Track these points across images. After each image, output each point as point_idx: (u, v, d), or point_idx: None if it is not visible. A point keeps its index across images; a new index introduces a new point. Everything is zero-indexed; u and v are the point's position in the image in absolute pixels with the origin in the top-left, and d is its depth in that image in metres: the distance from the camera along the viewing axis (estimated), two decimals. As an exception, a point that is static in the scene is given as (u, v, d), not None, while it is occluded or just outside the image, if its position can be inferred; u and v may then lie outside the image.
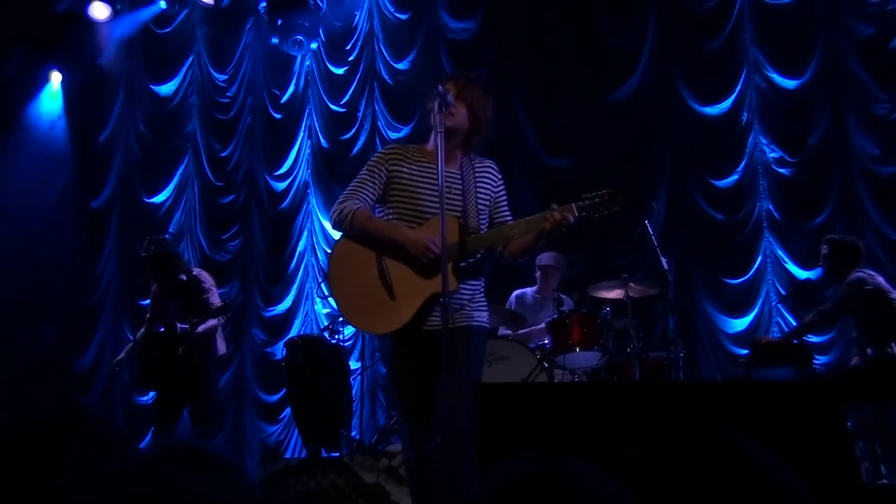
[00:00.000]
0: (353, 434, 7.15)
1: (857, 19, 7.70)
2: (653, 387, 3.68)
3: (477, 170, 3.62)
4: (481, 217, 3.57)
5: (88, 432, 1.67)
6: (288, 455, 8.20)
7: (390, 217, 3.58)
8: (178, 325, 5.93)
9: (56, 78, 9.42)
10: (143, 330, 6.37)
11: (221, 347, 6.38)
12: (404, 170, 3.57)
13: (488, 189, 3.64)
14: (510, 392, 3.15)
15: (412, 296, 3.42)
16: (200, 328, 5.95)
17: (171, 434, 6.14)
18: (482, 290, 3.63)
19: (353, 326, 3.64)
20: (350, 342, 8.31)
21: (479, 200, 3.56)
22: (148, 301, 7.86)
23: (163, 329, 6.03)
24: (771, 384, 3.03)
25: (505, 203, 3.71)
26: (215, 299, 6.21)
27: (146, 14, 9.19)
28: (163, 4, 8.95)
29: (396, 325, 3.44)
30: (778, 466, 1.11)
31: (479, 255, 3.55)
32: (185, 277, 6.22)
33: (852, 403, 5.74)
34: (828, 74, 7.76)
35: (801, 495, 1.10)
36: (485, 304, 3.62)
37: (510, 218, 3.66)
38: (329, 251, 8.78)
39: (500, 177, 3.74)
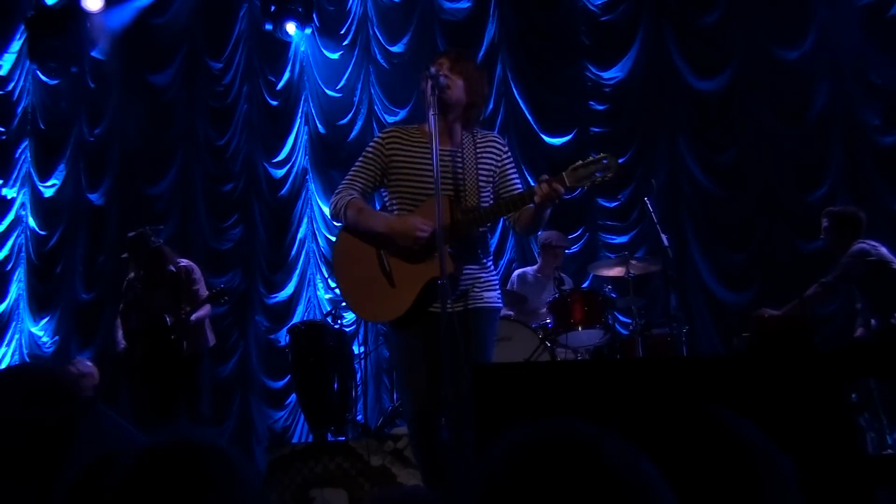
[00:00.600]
0: (358, 418, 7.17)
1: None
2: (655, 363, 3.66)
3: (479, 144, 3.58)
4: (482, 194, 3.52)
5: (96, 422, 1.67)
6: (294, 440, 8.24)
7: (393, 200, 3.59)
8: (167, 317, 5.92)
9: (52, 71, 9.40)
10: (118, 323, 6.32)
11: (211, 338, 6.38)
12: (402, 152, 3.56)
13: (490, 163, 3.59)
14: (509, 372, 3.13)
15: (411, 282, 3.42)
16: (194, 316, 5.96)
17: (168, 425, 6.14)
18: (490, 268, 3.61)
19: (359, 316, 3.64)
20: (353, 327, 8.31)
21: (481, 176, 3.52)
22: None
23: (149, 322, 6.02)
24: (774, 359, 3.02)
25: (512, 175, 3.64)
26: (203, 290, 6.21)
27: (139, 3, 9.13)
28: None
29: (399, 313, 3.44)
30: (764, 442, 1.11)
31: (477, 234, 3.51)
32: (173, 268, 6.20)
33: (859, 375, 5.73)
34: (827, 45, 7.69)
35: (786, 471, 1.09)
36: (494, 283, 3.59)
37: (519, 188, 3.60)
38: (329, 237, 8.81)
39: (504, 149, 3.68)
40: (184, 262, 6.33)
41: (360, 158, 3.63)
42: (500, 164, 3.62)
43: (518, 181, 3.66)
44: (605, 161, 3.26)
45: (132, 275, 6.41)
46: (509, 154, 3.69)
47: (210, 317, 6.35)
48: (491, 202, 3.56)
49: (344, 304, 8.10)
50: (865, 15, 7.62)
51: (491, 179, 3.59)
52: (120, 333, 6.30)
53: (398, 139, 3.61)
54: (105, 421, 1.76)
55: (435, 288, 3.32)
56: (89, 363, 7.10)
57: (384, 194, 3.67)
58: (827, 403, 2.78)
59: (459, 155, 3.54)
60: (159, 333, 5.97)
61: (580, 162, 3.29)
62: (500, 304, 3.63)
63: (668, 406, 1.20)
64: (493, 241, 3.74)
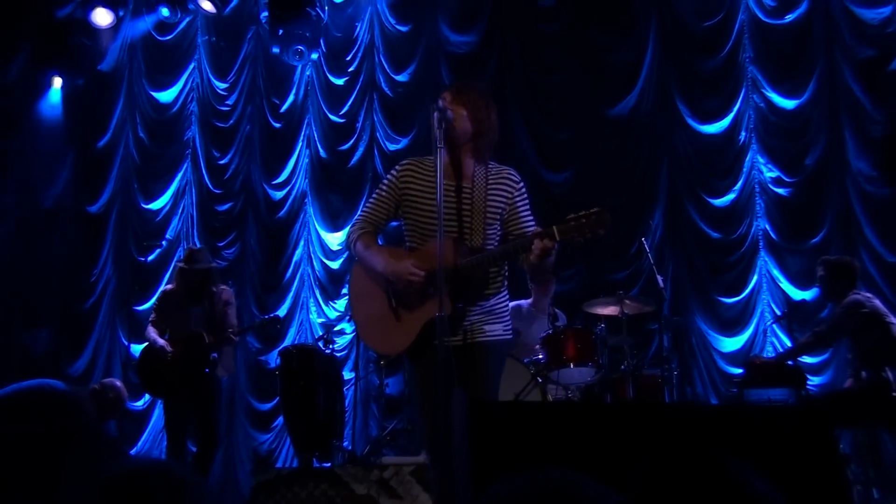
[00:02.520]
0: (345, 444, 7.14)
1: (857, 40, 7.73)
2: (648, 408, 3.67)
3: (491, 179, 3.58)
4: (488, 231, 3.52)
5: (82, 439, 1.67)
6: (279, 464, 8.18)
7: (406, 233, 3.65)
8: (205, 335, 6.01)
9: (57, 83, 9.42)
10: (152, 330, 6.33)
11: (231, 366, 6.43)
12: (415, 186, 3.60)
13: (500, 200, 3.58)
14: (504, 409, 3.13)
15: (413, 320, 3.49)
16: (214, 356, 6.06)
17: (184, 446, 6.16)
18: (501, 300, 3.60)
19: (370, 348, 3.73)
20: (344, 352, 8.32)
21: (488, 213, 3.52)
22: (150, 304, 7.88)
23: (187, 336, 6.09)
24: (764, 407, 3.03)
25: (523, 213, 3.60)
26: (233, 317, 6.28)
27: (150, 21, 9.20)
28: (165, 12, 8.94)
29: (401, 348, 3.54)
30: (761, 484, 1.12)
31: (481, 275, 3.51)
32: (214, 290, 6.29)
33: (845, 426, 5.75)
34: (826, 95, 7.78)
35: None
36: (500, 313, 3.58)
37: (531, 224, 3.58)
38: (325, 261, 8.82)
39: (518, 185, 3.64)
40: (223, 286, 6.46)
41: (376, 192, 3.71)
42: (510, 201, 3.60)
43: (529, 219, 3.62)
44: (595, 217, 3.18)
45: (171, 286, 6.49)
46: (523, 190, 3.65)
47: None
48: (497, 240, 3.56)
49: (336, 328, 8.19)
50: (865, 68, 7.72)
51: (499, 216, 3.58)
52: (154, 332, 6.29)
53: (412, 172, 3.64)
54: (98, 442, 1.77)
55: (432, 327, 3.35)
56: (118, 383, 7.09)
57: (401, 225, 3.72)
58: (818, 453, 2.78)
59: (469, 190, 3.54)
60: (195, 348, 6.01)
61: (572, 215, 3.21)
62: (506, 336, 3.60)
63: (675, 453, 1.21)
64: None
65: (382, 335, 3.62)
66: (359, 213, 3.72)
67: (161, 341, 6.21)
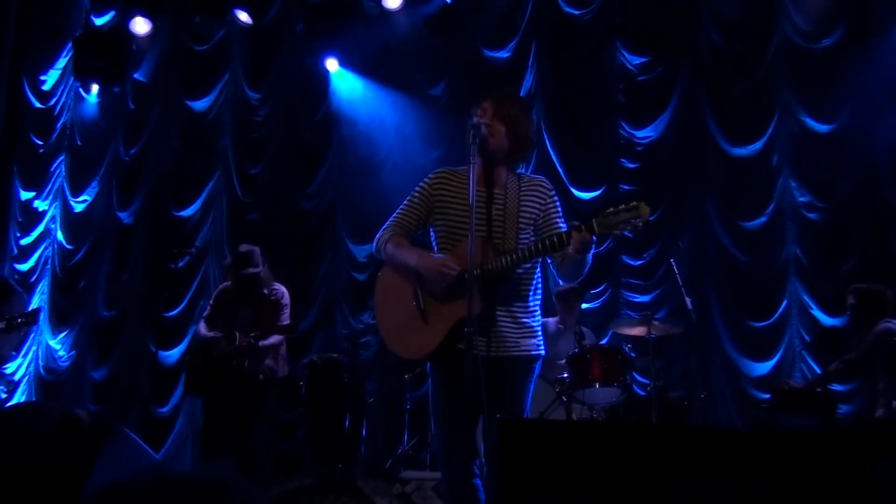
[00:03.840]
0: (366, 457, 7.14)
1: (891, 70, 7.67)
2: (676, 432, 3.64)
3: (523, 188, 3.59)
4: (521, 236, 3.51)
5: (111, 440, 1.69)
6: (301, 473, 8.19)
7: (436, 240, 3.66)
8: (237, 335, 5.99)
9: (94, 90, 9.56)
10: (203, 325, 6.41)
11: (283, 369, 6.41)
12: (447, 194, 3.63)
13: (533, 207, 3.58)
14: (533, 428, 3.13)
15: (442, 321, 3.45)
16: (262, 343, 5.99)
17: (219, 445, 6.14)
18: (533, 313, 3.58)
19: (391, 350, 3.70)
20: (369, 364, 8.32)
21: (521, 219, 3.52)
22: (177, 311, 7.95)
23: (224, 336, 6.13)
24: (795, 436, 3.00)
25: (555, 218, 3.59)
26: (286, 317, 6.27)
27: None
28: (202, 22, 9.05)
29: (427, 351, 3.50)
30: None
31: (514, 277, 3.50)
32: (266, 291, 6.29)
33: (878, 455, 5.66)
34: (860, 121, 7.71)
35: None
36: (533, 329, 3.56)
37: (562, 231, 3.55)
38: (352, 274, 8.84)
39: (550, 193, 3.65)
40: (277, 286, 6.44)
41: (407, 198, 3.72)
42: (543, 208, 3.60)
43: (561, 224, 3.60)
44: (635, 209, 3.16)
45: (227, 284, 6.55)
46: (555, 198, 3.66)
47: (281, 347, 6.36)
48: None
49: (363, 339, 8.20)
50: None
51: (532, 222, 3.58)
52: (204, 327, 6.37)
53: (445, 181, 3.67)
54: (124, 445, 1.78)
55: (463, 327, 3.33)
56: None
57: (431, 234, 3.72)
58: (853, 482, 2.75)
59: (501, 198, 3.56)
60: (230, 353, 6.06)
61: (611, 209, 3.21)
62: (539, 353, 3.58)
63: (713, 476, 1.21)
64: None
65: (407, 338, 3.58)
66: (389, 220, 3.72)
67: (208, 333, 6.28)
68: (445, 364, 3.49)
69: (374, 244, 3.73)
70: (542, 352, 3.61)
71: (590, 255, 3.40)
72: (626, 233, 3.19)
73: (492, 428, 3.19)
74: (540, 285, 3.66)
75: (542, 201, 3.61)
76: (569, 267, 3.50)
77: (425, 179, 3.73)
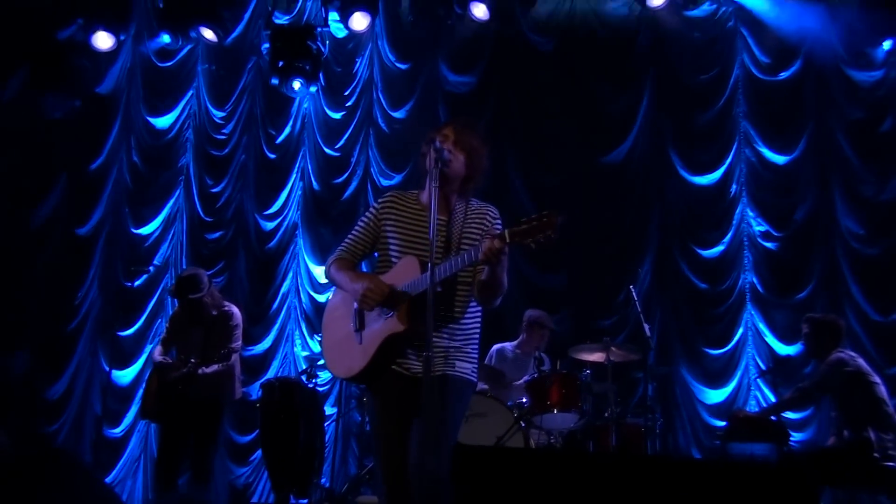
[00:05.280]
0: (323, 481, 7.06)
1: (848, 101, 7.85)
2: (631, 460, 3.66)
3: (470, 215, 3.61)
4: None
5: (56, 466, 1.66)
6: (255, 499, 8.09)
7: (378, 263, 3.66)
8: (190, 362, 5.91)
9: (54, 102, 9.41)
10: (158, 348, 6.32)
11: (238, 391, 6.31)
12: (393, 218, 3.64)
13: (475, 232, 3.58)
14: (489, 455, 3.12)
15: (373, 340, 3.47)
16: (203, 370, 5.92)
17: (174, 471, 6.04)
18: (470, 339, 3.58)
19: (331, 372, 3.70)
20: (326, 387, 8.26)
21: (463, 245, 3.53)
22: (133, 331, 7.82)
23: (175, 361, 6.05)
24: (747, 464, 3.02)
25: None
26: (236, 342, 6.19)
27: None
28: (166, 38, 8.98)
29: (355, 370, 3.50)
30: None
31: (452, 298, 3.50)
32: (215, 312, 6.20)
33: (826, 485, 5.73)
34: (817, 153, 7.89)
35: None
36: (470, 354, 3.56)
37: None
38: (312, 294, 8.79)
39: (495, 220, 3.66)
40: (228, 307, 6.32)
41: (357, 223, 3.75)
42: (484, 232, 3.58)
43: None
44: (546, 219, 3.16)
45: (177, 309, 6.47)
46: (497, 224, 3.66)
47: (235, 369, 6.24)
48: (468, 272, 3.50)
49: (321, 362, 8.14)
50: (855, 128, 7.83)
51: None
52: (158, 352, 6.27)
53: (393, 205, 3.68)
54: (71, 473, 1.75)
55: (392, 346, 3.40)
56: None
57: (375, 255, 3.73)
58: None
59: (445, 224, 3.57)
60: (180, 378, 5.96)
61: (524, 219, 3.21)
62: (474, 379, 3.57)
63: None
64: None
65: (341, 357, 3.60)
66: (339, 245, 3.76)
67: (158, 357, 6.19)
68: (378, 387, 3.50)
69: (325, 268, 3.76)
70: (474, 379, 3.58)
71: (503, 276, 3.37)
72: (541, 240, 3.15)
73: (427, 448, 3.17)
74: (479, 313, 3.64)
75: (484, 228, 3.61)
76: (480, 287, 3.46)
77: (374, 205, 3.76)
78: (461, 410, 3.54)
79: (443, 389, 3.39)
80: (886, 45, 7.72)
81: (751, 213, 7.95)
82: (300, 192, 9.19)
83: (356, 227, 3.74)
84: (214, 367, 5.97)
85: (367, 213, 3.74)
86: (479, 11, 8.30)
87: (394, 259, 3.57)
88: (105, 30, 8.86)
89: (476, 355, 3.61)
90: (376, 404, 3.52)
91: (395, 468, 3.38)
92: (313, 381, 7.33)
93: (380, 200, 3.75)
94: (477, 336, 3.63)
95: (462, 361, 3.51)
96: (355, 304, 3.55)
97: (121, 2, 8.98)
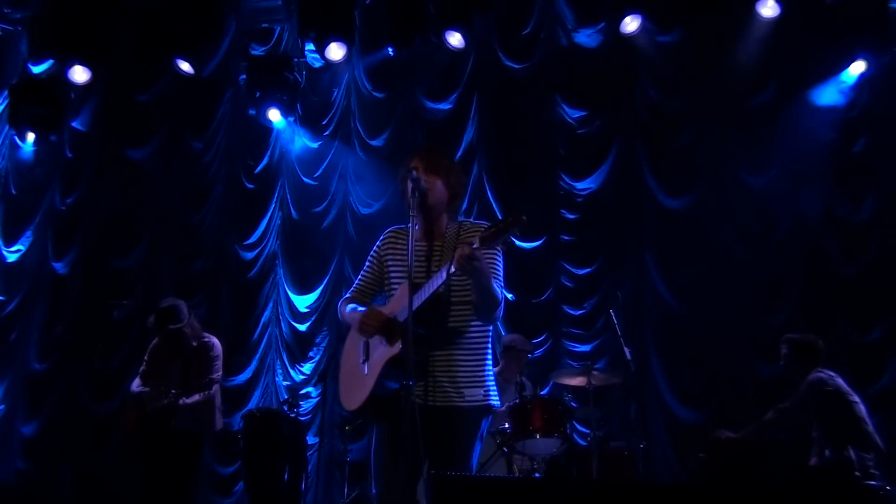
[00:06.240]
0: (306, 512, 7.01)
1: (821, 124, 7.94)
2: (614, 487, 3.65)
3: (463, 235, 3.63)
4: (453, 283, 3.52)
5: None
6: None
7: (387, 295, 3.78)
8: (171, 393, 5.85)
9: (30, 138, 9.39)
10: (136, 381, 6.26)
11: (218, 422, 6.25)
12: (392, 253, 3.76)
13: None
14: (469, 485, 3.10)
15: (375, 367, 3.52)
16: (184, 401, 5.86)
17: None
18: (480, 360, 3.58)
19: (343, 406, 3.73)
20: (308, 416, 8.22)
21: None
22: (113, 364, 7.75)
23: (152, 393, 5.99)
24: (729, 491, 3.03)
25: (489, 261, 3.53)
26: (217, 372, 6.14)
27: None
28: (144, 72, 8.96)
29: (360, 401, 3.54)
30: None
31: (457, 323, 3.54)
32: (195, 343, 6.16)
33: (808, 504, 5.73)
34: (792, 174, 7.94)
35: None
36: (479, 378, 3.55)
37: (497, 270, 3.59)
38: (293, 324, 8.76)
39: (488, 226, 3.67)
40: (208, 338, 6.28)
41: (364, 264, 3.89)
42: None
43: (493, 259, 3.59)
44: (510, 219, 3.21)
45: (156, 341, 6.39)
46: None
47: (216, 399, 6.18)
48: (466, 291, 3.53)
49: (301, 392, 8.11)
50: (832, 149, 7.91)
51: None
52: (136, 384, 6.21)
53: (393, 241, 3.80)
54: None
55: (394, 371, 3.42)
56: None
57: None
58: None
59: (439, 248, 3.63)
60: (160, 411, 5.91)
61: (491, 224, 3.32)
62: (489, 403, 3.56)
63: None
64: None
65: (351, 391, 3.66)
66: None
67: (136, 388, 6.15)
68: (386, 416, 3.52)
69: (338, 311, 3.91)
70: (494, 402, 3.58)
71: (490, 286, 3.39)
72: (511, 237, 3.23)
73: (429, 484, 3.18)
74: (488, 332, 3.66)
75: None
76: (474, 299, 3.47)
77: (376, 243, 3.87)
78: (472, 441, 3.52)
79: (449, 423, 3.43)
80: (857, 66, 7.81)
81: (728, 236, 7.98)
82: (279, 222, 9.19)
83: (363, 269, 3.88)
84: (196, 398, 5.92)
85: (370, 254, 3.87)
86: (455, 40, 8.36)
87: (395, 291, 3.68)
88: (81, 63, 8.87)
89: (487, 375, 3.61)
90: (382, 434, 3.58)
91: (394, 494, 3.39)
92: (295, 410, 7.29)
93: (381, 238, 3.87)
94: (486, 355, 3.63)
95: (472, 388, 3.52)
96: (362, 338, 3.64)
97: (98, 37, 8.98)
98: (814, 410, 5.85)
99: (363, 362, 3.60)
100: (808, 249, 7.80)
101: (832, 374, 5.94)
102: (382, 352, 3.49)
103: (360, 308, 3.72)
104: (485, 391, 3.55)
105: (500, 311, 3.57)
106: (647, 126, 8.44)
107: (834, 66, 7.90)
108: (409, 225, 3.42)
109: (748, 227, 8.00)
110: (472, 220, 3.85)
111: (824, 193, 7.86)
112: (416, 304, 3.32)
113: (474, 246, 3.23)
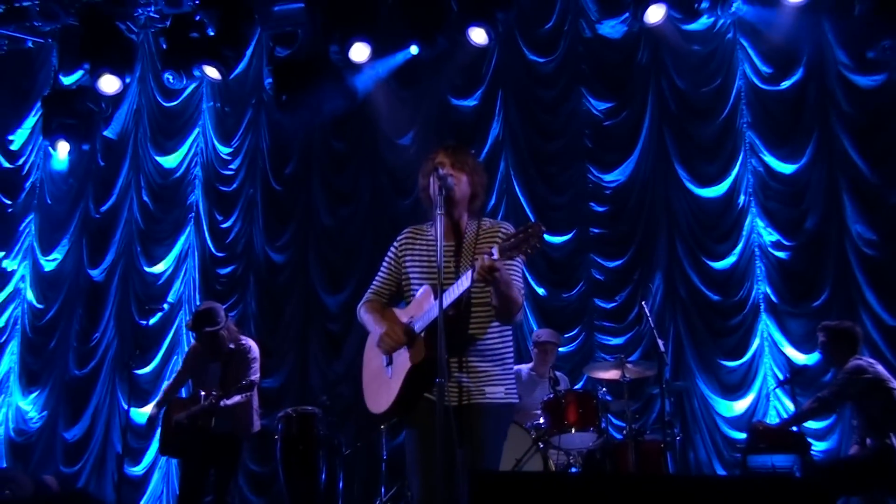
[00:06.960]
0: (344, 512, 7.04)
1: (853, 107, 7.83)
2: (651, 480, 3.64)
3: (482, 235, 3.62)
4: (473, 286, 3.46)
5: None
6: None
7: (406, 296, 3.72)
8: (202, 393, 5.93)
9: (63, 148, 9.53)
10: (173, 382, 6.40)
11: (256, 424, 6.30)
12: (411, 252, 3.71)
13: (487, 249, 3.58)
14: (507, 481, 3.10)
15: (399, 372, 3.51)
16: (224, 402, 5.92)
17: None
18: (502, 361, 3.58)
19: (368, 409, 3.72)
20: (345, 416, 8.24)
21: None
22: (150, 369, 7.83)
23: (195, 394, 6.08)
24: (766, 479, 3.01)
25: (509, 269, 3.49)
26: (255, 374, 6.18)
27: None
28: (171, 79, 9.03)
29: (385, 405, 3.55)
30: None
31: (461, 323, 3.50)
32: (233, 346, 6.21)
33: (851, 494, 5.69)
34: (824, 159, 7.85)
35: None
36: (501, 377, 3.56)
37: (516, 269, 3.58)
38: (325, 325, 8.80)
39: (504, 236, 3.62)
40: (245, 341, 6.32)
41: (381, 264, 3.83)
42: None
43: (514, 267, 3.57)
44: (530, 230, 3.20)
45: (193, 344, 6.50)
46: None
47: (254, 401, 6.23)
48: (486, 293, 3.51)
49: (336, 391, 8.13)
50: (861, 133, 7.80)
51: None
52: (167, 385, 6.31)
53: (411, 240, 3.75)
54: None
55: (418, 376, 3.41)
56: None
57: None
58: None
59: (460, 247, 3.61)
60: (200, 412, 5.96)
61: (510, 234, 3.30)
62: (507, 400, 3.56)
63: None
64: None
65: (376, 395, 3.65)
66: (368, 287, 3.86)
67: (167, 393, 6.29)
68: (413, 418, 3.53)
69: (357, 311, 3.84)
70: (513, 399, 3.59)
71: (510, 292, 3.39)
72: (528, 250, 3.20)
73: (462, 481, 3.19)
74: (508, 331, 3.65)
75: (497, 241, 3.56)
76: (494, 303, 3.45)
77: (393, 243, 3.81)
78: (497, 436, 3.55)
79: (474, 420, 3.43)
80: (887, 48, 7.68)
81: (760, 224, 7.90)
82: (308, 224, 9.21)
83: (380, 269, 3.83)
84: (236, 399, 5.97)
85: (387, 254, 3.81)
86: (478, 36, 8.32)
87: (415, 291, 3.64)
88: (111, 72, 8.96)
89: (508, 375, 3.60)
90: (412, 436, 3.56)
91: (429, 494, 3.40)
92: (330, 409, 7.33)
93: (398, 238, 3.81)
94: (509, 356, 3.64)
95: (492, 385, 3.52)
96: None
97: (125, 45, 9.09)
98: (853, 398, 5.79)
99: (387, 365, 3.60)
100: (841, 235, 7.69)
101: (871, 360, 5.88)
102: (405, 358, 3.49)
103: (375, 313, 3.70)
104: (507, 388, 3.57)
105: (521, 314, 3.58)
106: (674, 115, 8.37)
107: (863, 49, 7.78)
108: (437, 223, 3.38)
109: (780, 213, 7.92)
110: (492, 219, 3.77)
111: (856, 177, 7.75)
112: (438, 312, 3.28)
113: (494, 257, 3.20)
